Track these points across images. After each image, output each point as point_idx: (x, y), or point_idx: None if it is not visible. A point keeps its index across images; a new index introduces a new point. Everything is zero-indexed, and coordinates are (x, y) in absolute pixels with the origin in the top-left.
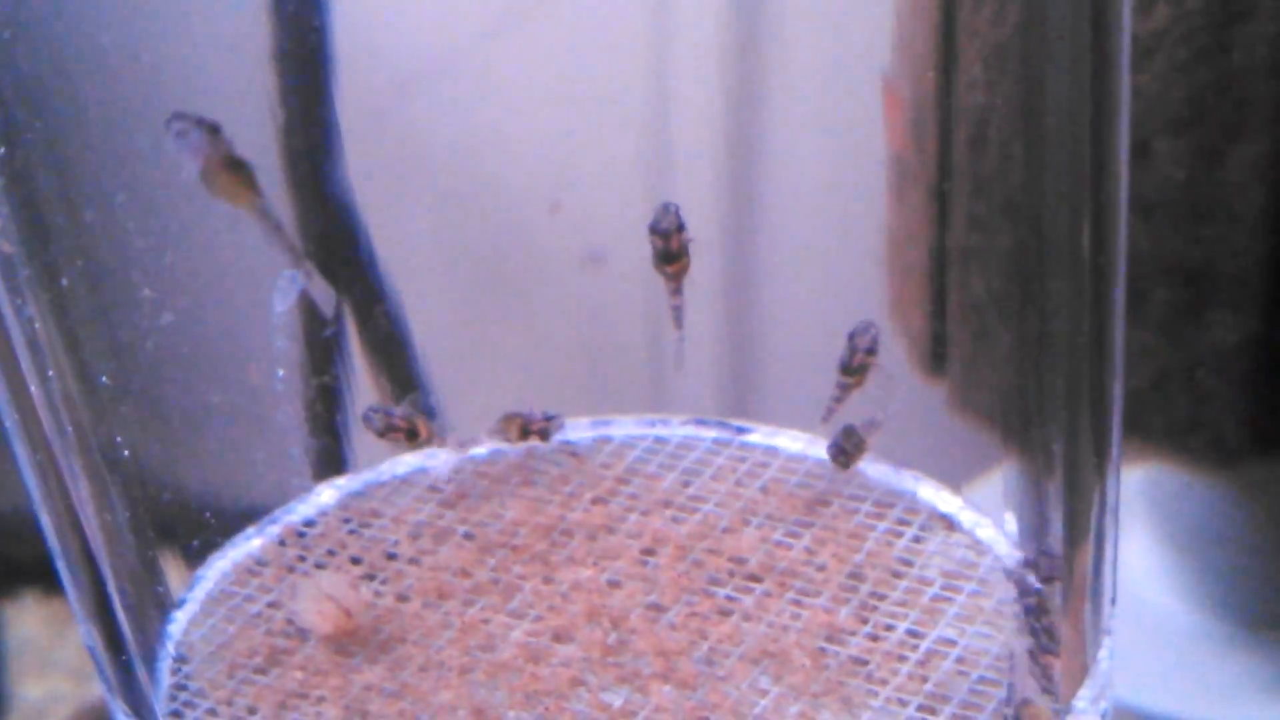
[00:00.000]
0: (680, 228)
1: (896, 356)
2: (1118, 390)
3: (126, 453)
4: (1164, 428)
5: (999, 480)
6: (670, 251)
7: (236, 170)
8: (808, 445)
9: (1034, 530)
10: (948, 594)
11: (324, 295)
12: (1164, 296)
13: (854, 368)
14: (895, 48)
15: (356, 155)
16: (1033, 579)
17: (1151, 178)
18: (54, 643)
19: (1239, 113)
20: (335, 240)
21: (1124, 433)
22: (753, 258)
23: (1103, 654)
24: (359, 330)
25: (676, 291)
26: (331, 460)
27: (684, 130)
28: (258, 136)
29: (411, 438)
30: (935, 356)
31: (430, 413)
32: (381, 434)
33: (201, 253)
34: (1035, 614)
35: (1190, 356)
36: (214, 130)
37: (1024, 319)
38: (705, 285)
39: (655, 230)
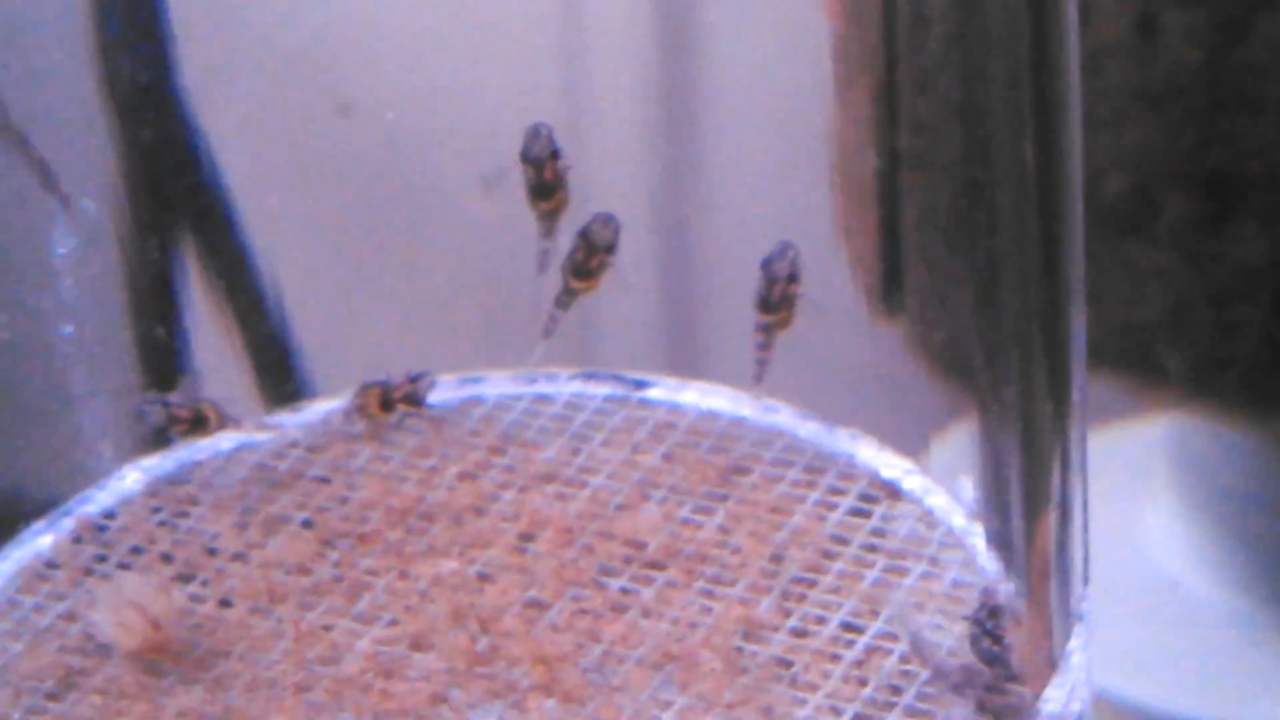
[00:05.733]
0: (555, 154)
1: (847, 289)
2: (1078, 325)
3: None
4: (1185, 367)
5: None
6: (543, 184)
7: None
8: (722, 400)
9: (994, 499)
10: (891, 577)
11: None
12: (1180, 207)
13: (775, 302)
14: None
15: (195, 55)
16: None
17: (1161, 60)
18: None
19: None
20: (170, 162)
21: (1136, 375)
22: (681, 171)
23: (1074, 644)
24: (202, 272)
25: (548, 233)
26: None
27: (601, 13)
28: (64, 35)
29: (198, 427)
30: (888, 289)
31: (292, 378)
32: (165, 428)
33: None
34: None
35: (1214, 279)
36: None
37: (973, 242)
38: (622, 213)
39: (525, 158)
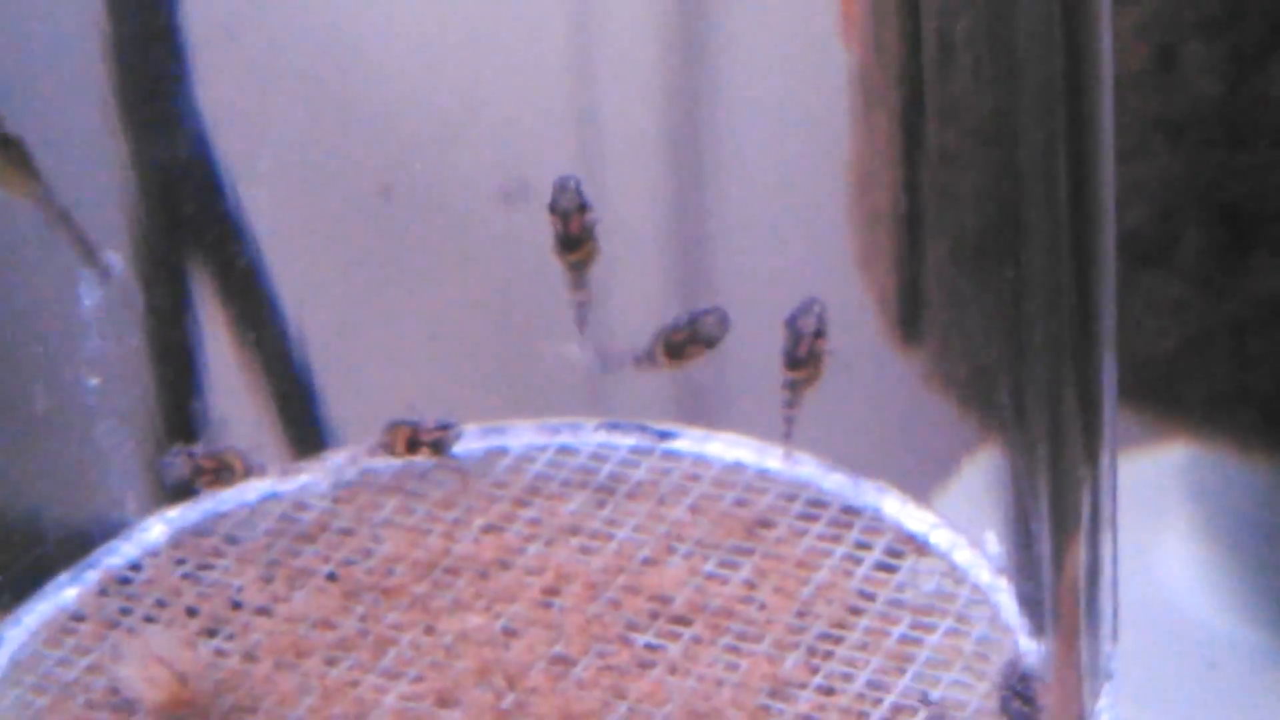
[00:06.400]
0: (583, 206)
1: (865, 322)
2: (1109, 366)
3: None
4: (1202, 400)
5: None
6: (570, 236)
7: (6, 150)
8: (747, 452)
9: (1018, 541)
10: (918, 634)
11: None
12: (1197, 239)
13: (802, 359)
14: None
15: (210, 77)
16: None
17: (1180, 93)
18: None
19: None
20: (186, 186)
21: (1154, 407)
22: (698, 207)
23: (1102, 704)
24: (219, 303)
25: (579, 285)
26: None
27: (614, 36)
28: (81, 55)
29: (223, 478)
30: (907, 322)
31: (315, 426)
32: (190, 481)
33: None
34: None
35: (1231, 312)
36: None
37: (999, 274)
38: (640, 248)
39: (553, 210)
